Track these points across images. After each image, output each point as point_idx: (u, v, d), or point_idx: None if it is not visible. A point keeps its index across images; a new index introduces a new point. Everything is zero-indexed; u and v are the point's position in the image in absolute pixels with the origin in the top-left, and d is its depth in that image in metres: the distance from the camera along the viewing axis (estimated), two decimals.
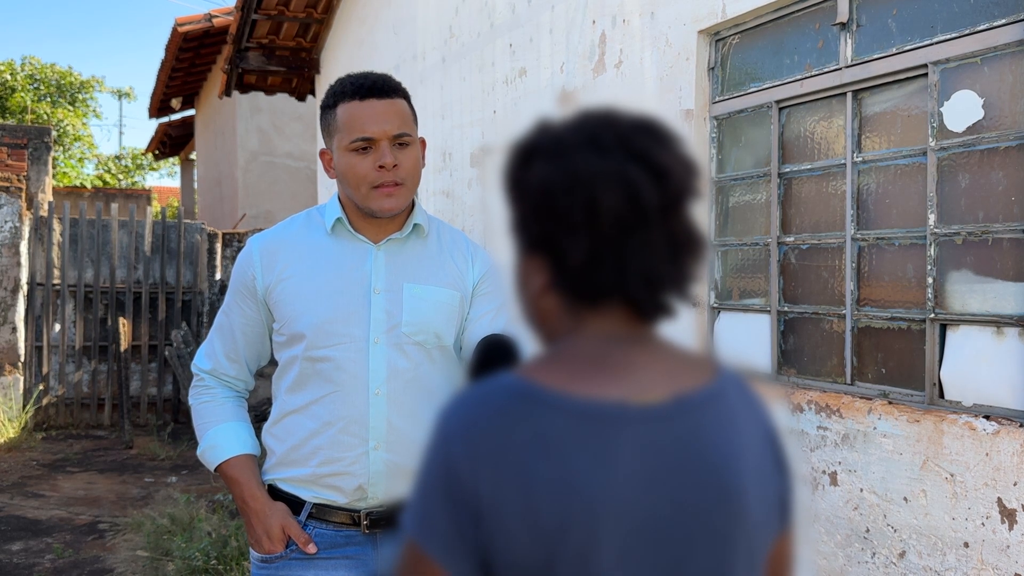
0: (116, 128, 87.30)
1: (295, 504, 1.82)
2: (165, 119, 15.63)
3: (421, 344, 1.80)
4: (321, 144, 1.91)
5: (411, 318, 1.80)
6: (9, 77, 21.20)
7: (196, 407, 1.94)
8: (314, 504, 1.81)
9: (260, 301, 1.85)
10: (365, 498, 1.79)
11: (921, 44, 2.55)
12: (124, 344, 8.40)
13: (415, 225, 1.86)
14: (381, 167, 1.75)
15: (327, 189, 7.33)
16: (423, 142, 1.87)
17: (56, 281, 8.42)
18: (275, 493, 1.86)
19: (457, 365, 1.89)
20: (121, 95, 26.34)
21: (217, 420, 1.90)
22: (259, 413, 6.13)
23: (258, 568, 1.83)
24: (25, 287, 8.32)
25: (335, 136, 1.79)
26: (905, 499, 2.48)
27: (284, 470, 1.84)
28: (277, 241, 1.87)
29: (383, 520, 1.78)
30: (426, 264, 1.83)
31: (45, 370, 8.34)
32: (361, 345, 1.78)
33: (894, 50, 2.64)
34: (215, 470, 1.87)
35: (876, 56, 2.69)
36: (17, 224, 8.22)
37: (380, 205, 1.77)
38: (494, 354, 1.50)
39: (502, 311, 1.93)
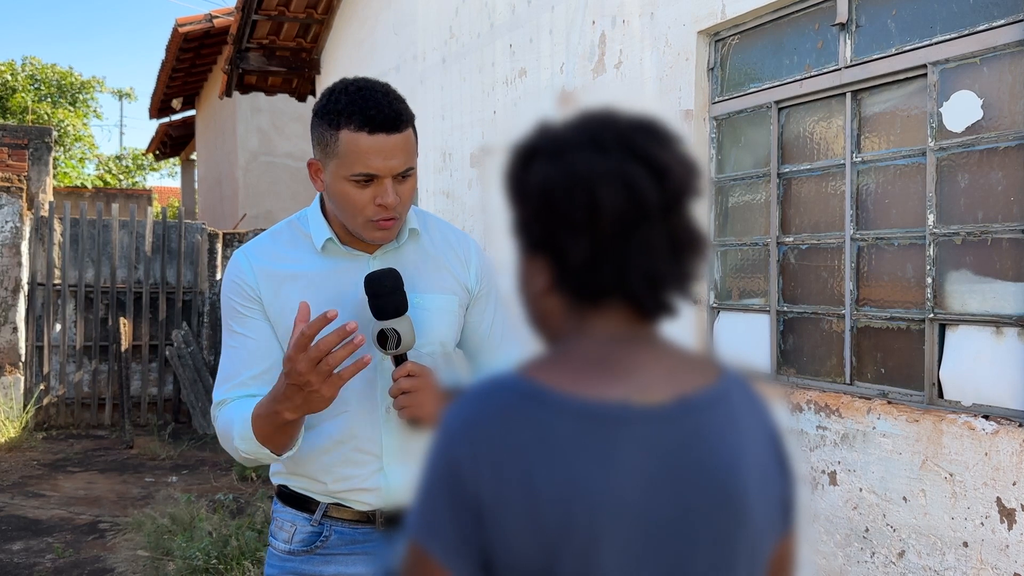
0: (117, 128, 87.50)
1: (308, 503, 1.79)
2: (166, 119, 15.62)
3: (429, 355, 1.76)
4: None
5: (418, 332, 1.73)
6: (10, 77, 21.21)
7: (219, 424, 1.74)
8: (329, 504, 1.78)
9: (263, 308, 1.75)
10: (382, 510, 1.77)
11: (920, 44, 2.56)
12: (125, 344, 8.40)
13: (411, 230, 1.81)
14: (381, 205, 1.66)
15: None
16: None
17: (57, 281, 8.43)
18: (286, 494, 1.82)
19: (458, 368, 1.87)
20: (122, 95, 26.37)
21: (234, 412, 1.72)
22: None
23: (280, 561, 1.80)
24: (26, 287, 8.32)
25: (332, 159, 1.67)
26: (904, 499, 2.48)
27: (296, 480, 1.80)
28: (267, 254, 1.77)
29: (398, 517, 1.76)
30: (424, 270, 1.78)
31: (46, 370, 8.34)
32: (371, 364, 1.71)
33: (893, 50, 2.64)
34: (256, 437, 1.66)
35: (875, 56, 2.69)
36: (18, 224, 8.22)
37: (372, 236, 1.71)
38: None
39: (497, 313, 1.90)
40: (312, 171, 1.76)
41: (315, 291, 1.72)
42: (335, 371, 1.55)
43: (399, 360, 1.67)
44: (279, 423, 1.63)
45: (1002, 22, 2.34)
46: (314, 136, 1.73)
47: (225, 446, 1.75)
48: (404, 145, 1.67)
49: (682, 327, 0.97)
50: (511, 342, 1.92)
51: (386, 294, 1.64)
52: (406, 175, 1.69)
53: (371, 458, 1.74)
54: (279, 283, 1.74)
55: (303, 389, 1.55)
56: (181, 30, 10.62)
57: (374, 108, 1.64)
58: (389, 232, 1.72)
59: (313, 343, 1.52)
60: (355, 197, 1.66)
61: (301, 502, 1.80)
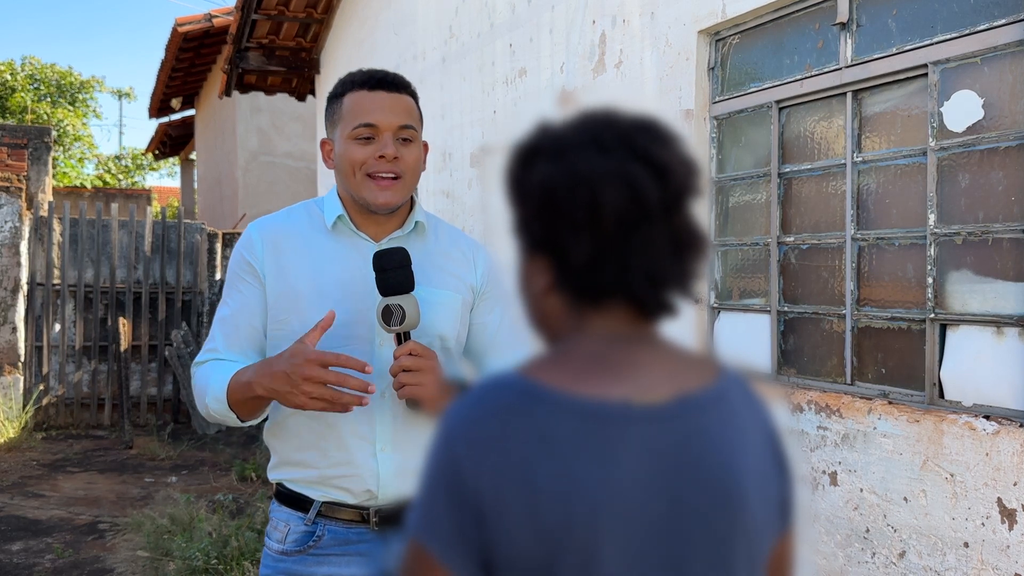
0: (116, 128, 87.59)
1: (303, 502, 1.81)
2: (165, 119, 15.63)
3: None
4: (322, 136, 1.88)
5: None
6: (9, 77, 21.20)
7: (195, 379, 1.81)
8: (323, 502, 1.79)
9: (261, 282, 1.80)
10: (375, 499, 1.77)
11: (921, 44, 2.56)
12: (124, 344, 8.40)
13: (416, 223, 1.84)
14: (381, 157, 1.73)
15: (327, 189, 7.32)
16: (426, 146, 1.85)
17: (56, 281, 8.42)
18: (282, 493, 1.84)
19: (461, 367, 1.88)
20: (121, 95, 26.36)
21: (214, 371, 1.77)
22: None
23: (273, 561, 1.81)
24: (25, 287, 8.32)
25: (339, 125, 1.77)
26: (905, 499, 2.48)
27: (290, 471, 1.82)
28: (278, 230, 1.83)
29: (392, 517, 1.77)
30: (426, 265, 1.80)
31: (45, 370, 8.34)
32: (367, 347, 1.75)
33: (894, 50, 2.64)
34: (227, 400, 1.71)
35: (876, 56, 2.69)
36: (17, 224, 8.22)
37: (374, 197, 1.75)
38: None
39: (505, 316, 1.91)
40: (324, 151, 1.86)
41: (317, 271, 1.79)
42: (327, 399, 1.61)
43: (400, 340, 1.69)
44: (249, 395, 1.67)
45: (1003, 22, 2.34)
46: (326, 116, 1.84)
47: (197, 402, 1.82)
48: (405, 105, 1.78)
49: (682, 327, 0.97)
50: (518, 345, 1.92)
51: (393, 268, 1.68)
52: (407, 136, 1.77)
53: (365, 443, 1.76)
54: (284, 250, 1.81)
55: (292, 385, 1.59)
56: (181, 30, 10.62)
57: (375, 72, 1.79)
58: (390, 193, 1.76)
59: (334, 368, 1.58)
60: (356, 153, 1.75)
61: (296, 502, 1.82)
